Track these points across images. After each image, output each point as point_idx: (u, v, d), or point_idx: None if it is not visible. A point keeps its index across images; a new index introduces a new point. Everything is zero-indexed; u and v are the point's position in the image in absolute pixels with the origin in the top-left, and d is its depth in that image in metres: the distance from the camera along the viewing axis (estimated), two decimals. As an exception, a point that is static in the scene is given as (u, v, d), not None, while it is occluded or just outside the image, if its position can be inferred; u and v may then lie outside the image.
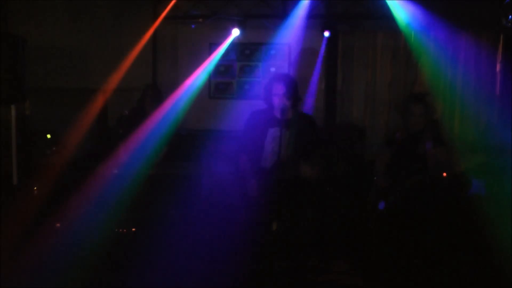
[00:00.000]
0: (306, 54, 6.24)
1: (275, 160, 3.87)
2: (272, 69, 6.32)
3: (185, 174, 4.79)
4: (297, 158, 3.97)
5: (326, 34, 5.96)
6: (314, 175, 3.99)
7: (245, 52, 6.41)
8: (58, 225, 4.37)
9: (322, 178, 4.13)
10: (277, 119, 3.95)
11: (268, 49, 6.36)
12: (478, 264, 4.02)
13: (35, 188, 4.33)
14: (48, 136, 4.75)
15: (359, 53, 6.11)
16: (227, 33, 6.14)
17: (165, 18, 5.88)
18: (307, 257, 4.14)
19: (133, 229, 4.51)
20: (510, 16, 5.10)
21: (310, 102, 6.04)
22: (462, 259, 4.10)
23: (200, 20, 6.27)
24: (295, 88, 4.03)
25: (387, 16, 5.80)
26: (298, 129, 3.98)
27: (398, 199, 4.18)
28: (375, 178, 4.42)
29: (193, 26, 6.38)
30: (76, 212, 4.42)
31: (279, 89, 3.95)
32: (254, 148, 4.05)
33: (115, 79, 5.45)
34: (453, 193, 4.54)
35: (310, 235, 4.17)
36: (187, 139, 5.78)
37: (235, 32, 6.01)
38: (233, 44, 6.26)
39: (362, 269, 4.04)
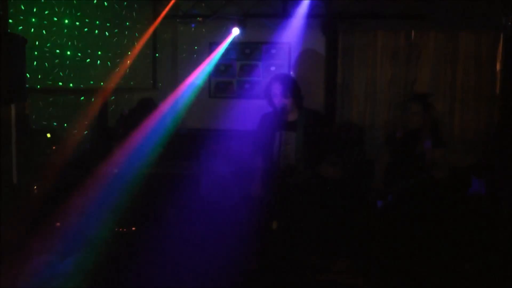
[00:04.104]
0: (306, 53, 6.23)
1: (283, 164, 3.86)
2: (272, 69, 6.32)
3: (185, 174, 4.79)
4: (308, 161, 3.95)
5: (326, 33, 5.96)
6: (335, 175, 3.96)
7: (245, 51, 6.41)
8: (58, 225, 4.37)
9: (344, 176, 4.08)
10: (283, 121, 3.93)
11: (268, 48, 6.35)
12: (478, 263, 4.03)
13: (35, 188, 4.33)
14: (48, 135, 4.74)
15: (359, 53, 6.11)
16: (227, 33, 6.14)
17: (165, 17, 5.87)
18: (307, 256, 4.14)
19: (133, 229, 4.52)
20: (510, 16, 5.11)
21: (310, 102, 6.02)
22: (461, 258, 4.11)
23: (200, 19, 6.26)
24: (294, 87, 4.01)
25: (387, 15, 5.81)
26: (306, 130, 3.95)
27: (397, 198, 4.19)
28: (374, 178, 4.42)
29: (193, 25, 6.37)
30: (76, 212, 4.42)
31: (277, 88, 3.95)
32: (265, 151, 4.05)
33: (115, 79, 5.44)
34: (453, 192, 4.54)
35: (310, 234, 4.17)
36: (187, 139, 5.78)
37: (235, 31, 6.00)
38: (233, 43, 6.26)
39: (362, 269, 4.04)
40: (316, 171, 3.94)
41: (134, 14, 5.83)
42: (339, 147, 4.40)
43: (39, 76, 4.81)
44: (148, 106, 5.11)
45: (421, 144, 4.18)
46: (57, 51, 5.00)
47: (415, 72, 5.98)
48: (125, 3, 5.78)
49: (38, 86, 4.79)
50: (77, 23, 5.23)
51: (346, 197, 4.82)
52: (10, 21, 4.31)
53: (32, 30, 4.71)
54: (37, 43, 4.77)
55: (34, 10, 4.76)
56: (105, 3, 5.54)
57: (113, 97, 5.64)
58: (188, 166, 4.98)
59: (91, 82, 5.32)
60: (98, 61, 5.40)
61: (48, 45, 4.90)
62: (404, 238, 4.14)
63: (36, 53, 4.81)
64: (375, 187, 4.34)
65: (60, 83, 5.05)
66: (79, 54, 5.24)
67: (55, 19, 4.99)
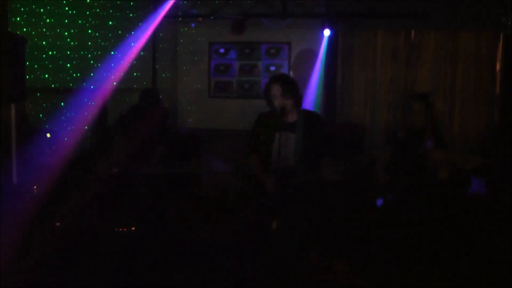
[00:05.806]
0: (306, 53, 6.24)
1: (283, 165, 3.85)
2: (272, 68, 6.32)
3: (185, 174, 4.79)
4: (308, 162, 3.94)
5: (326, 33, 5.96)
6: (337, 177, 3.94)
7: (245, 51, 6.41)
8: (58, 224, 4.37)
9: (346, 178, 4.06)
10: (282, 122, 3.91)
11: (268, 48, 6.36)
12: (477, 263, 4.03)
13: (35, 188, 4.33)
14: (48, 135, 4.75)
15: (359, 52, 6.11)
16: (227, 32, 6.15)
17: (165, 17, 5.88)
18: (307, 256, 4.13)
19: (133, 229, 4.52)
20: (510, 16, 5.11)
21: (310, 102, 6.04)
22: (461, 258, 4.11)
23: (200, 19, 6.27)
24: (293, 87, 3.99)
25: (387, 15, 5.81)
26: (305, 131, 3.94)
27: (397, 197, 4.19)
28: (375, 176, 4.42)
29: (193, 25, 6.37)
30: (76, 212, 4.42)
31: (276, 89, 3.93)
32: (262, 150, 4.03)
33: (115, 79, 5.45)
34: (453, 192, 4.54)
35: (310, 234, 4.17)
36: (187, 139, 5.78)
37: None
38: (233, 43, 6.28)
39: (362, 269, 4.04)
40: (317, 173, 3.93)
41: (134, 14, 5.83)
42: (339, 148, 4.40)
43: (39, 76, 4.82)
44: (151, 97, 5.08)
45: (423, 144, 4.18)
46: (57, 51, 5.01)
47: (415, 72, 5.98)
48: (126, 3, 5.79)
49: (43, 86, 4.80)
50: (77, 23, 5.24)
51: (346, 197, 4.83)
52: (16, 20, 4.31)
53: (32, 30, 4.72)
54: (37, 43, 4.78)
55: (34, 10, 4.77)
56: (106, 3, 5.55)
57: (113, 97, 5.64)
58: (188, 167, 4.97)
59: (91, 82, 5.33)
60: (98, 61, 5.40)
61: (48, 45, 4.91)
62: (404, 238, 4.14)
63: (36, 53, 4.82)
64: (381, 181, 4.31)
65: (60, 83, 5.06)
66: (79, 54, 5.25)
67: (55, 19, 5.00)
